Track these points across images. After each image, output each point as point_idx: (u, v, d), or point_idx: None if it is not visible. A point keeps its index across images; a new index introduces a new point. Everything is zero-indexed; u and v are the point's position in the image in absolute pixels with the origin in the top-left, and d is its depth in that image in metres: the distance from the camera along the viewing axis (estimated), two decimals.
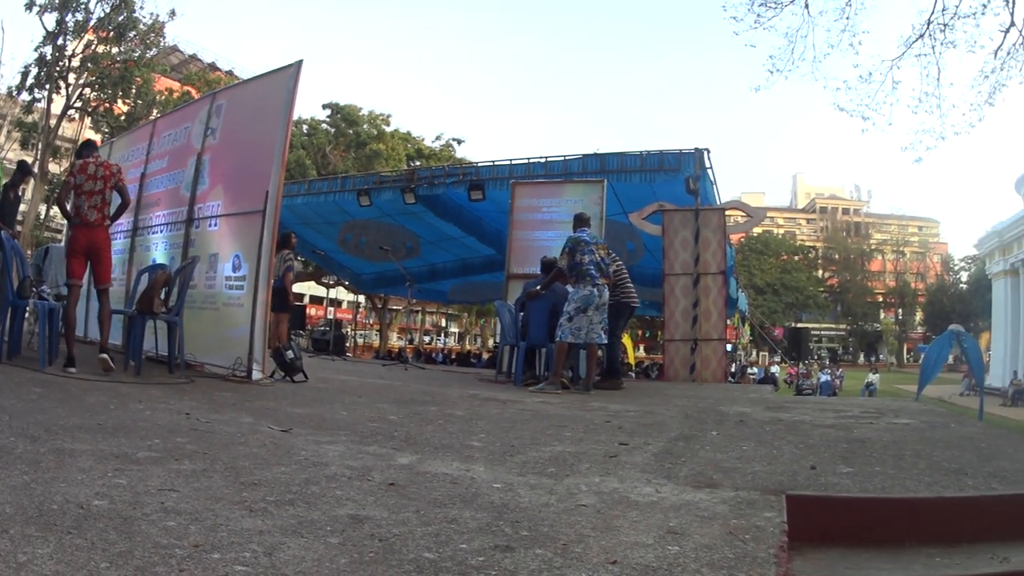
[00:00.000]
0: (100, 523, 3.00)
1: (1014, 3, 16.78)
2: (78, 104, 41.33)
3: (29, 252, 25.19)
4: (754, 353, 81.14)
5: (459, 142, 58.19)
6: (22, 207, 39.04)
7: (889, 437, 7.19)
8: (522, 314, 14.08)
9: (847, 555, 3.81)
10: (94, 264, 9.91)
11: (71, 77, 39.88)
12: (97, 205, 9.81)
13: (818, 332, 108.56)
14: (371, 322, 72.78)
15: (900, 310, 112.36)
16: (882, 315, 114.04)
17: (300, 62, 10.48)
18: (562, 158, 22.00)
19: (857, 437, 7.08)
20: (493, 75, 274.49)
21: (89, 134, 48.70)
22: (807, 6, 18.14)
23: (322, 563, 2.77)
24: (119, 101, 41.54)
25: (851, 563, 3.71)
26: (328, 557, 2.85)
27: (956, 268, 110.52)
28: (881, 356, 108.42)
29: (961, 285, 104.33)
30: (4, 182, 11.32)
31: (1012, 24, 16.98)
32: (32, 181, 37.28)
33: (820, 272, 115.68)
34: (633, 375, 28.48)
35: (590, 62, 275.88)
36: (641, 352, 66.04)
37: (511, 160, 23.58)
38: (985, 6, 17.10)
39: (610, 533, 3.43)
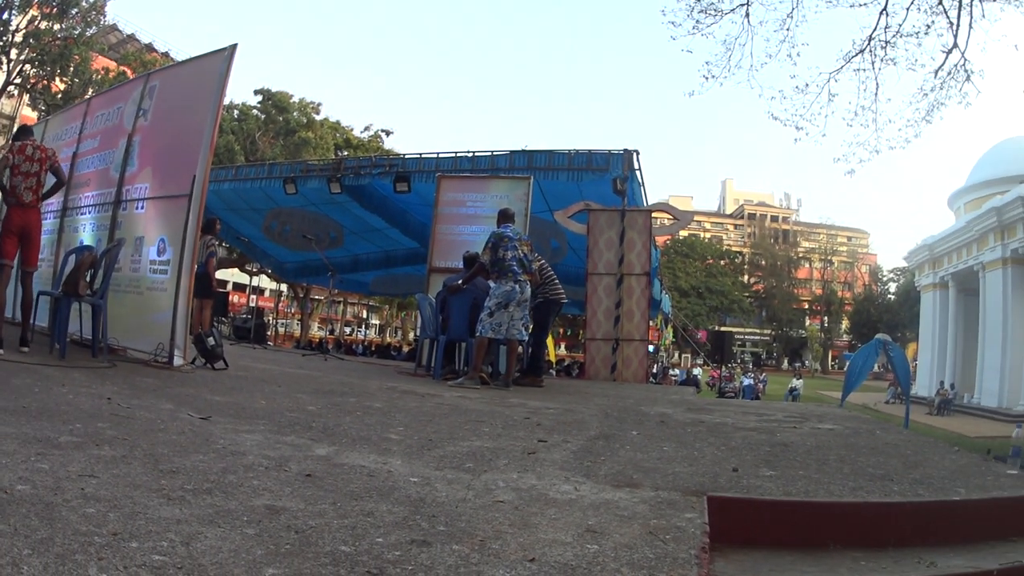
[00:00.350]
0: (23, 508, 2.97)
1: (958, 26, 17.05)
2: (17, 80, 40.95)
3: None
4: (677, 355, 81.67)
5: (387, 133, 58.30)
6: None
7: (813, 442, 7.25)
8: (443, 308, 14.04)
9: (770, 557, 3.84)
10: (25, 246, 10.03)
11: (13, 53, 39.44)
12: (32, 187, 9.99)
13: (742, 336, 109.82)
14: (292, 311, 73.23)
15: (826, 318, 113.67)
16: (808, 322, 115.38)
17: (235, 46, 10.41)
18: (489, 153, 22.14)
19: (780, 441, 7.15)
20: (424, 68, 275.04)
21: (26, 111, 48.42)
22: (747, 15, 18.28)
23: (239, 554, 2.76)
24: (57, 79, 41.09)
25: (774, 565, 3.74)
26: (245, 548, 2.84)
27: (885, 279, 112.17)
28: (806, 362, 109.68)
29: (889, 296, 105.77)
30: None
31: (955, 46, 17.26)
32: None
33: (746, 277, 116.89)
34: (553, 373, 28.51)
35: (522, 58, 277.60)
36: (562, 350, 66.28)
37: (438, 153, 23.51)
38: (929, 27, 17.37)
39: (528, 530, 3.43)
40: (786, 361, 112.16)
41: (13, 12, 38.21)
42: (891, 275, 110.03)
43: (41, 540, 2.62)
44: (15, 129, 12.39)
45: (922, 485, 5.13)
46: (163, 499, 3.38)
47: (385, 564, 2.79)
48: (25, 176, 9.99)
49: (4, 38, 38.35)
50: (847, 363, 41.87)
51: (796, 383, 51.89)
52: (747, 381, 51.34)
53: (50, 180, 10.24)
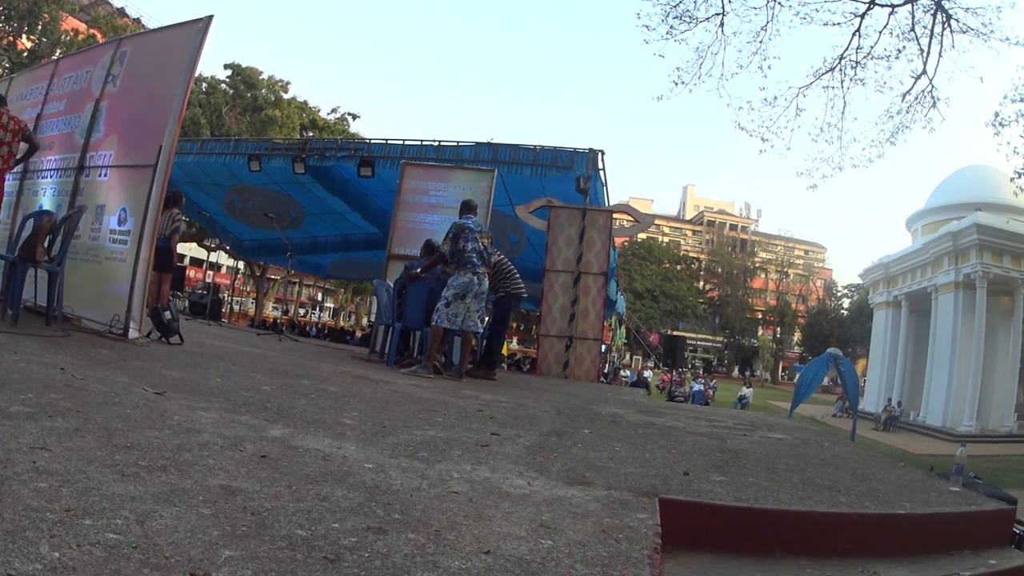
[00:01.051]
0: None
1: (928, 53, 17.29)
2: None
3: None
4: (628, 356, 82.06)
5: (354, 117, 58.21)
6: None
7: (763, 450, 7.33)
8: (400, 295, 14.06)
9: (718, 561, 3.89)
10: None
11: None
12: (3, 155, 10.13)
13: (694, 342, 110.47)
14: (248, 289, 73.14)
15: (779, 328, 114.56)
16: (760, 331, 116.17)
17: (211, 17, 10.32)
18: (455, 143, 22.36)
19: (730, 447, 7.22)
20: (393, 55, 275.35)
21: None
22: (722, 25, 18.53)
23: (195, 534, 2.71)
24: (24, 36, 40.62)
25: (722, 569, 3.79)
26: (201, 528, 2.79)
27: (839, 294, 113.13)
28: (756, 371, 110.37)
29: (842, 311, 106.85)
30: None
31: (924, 72, 17.52)
32: None
33: (701, 283, 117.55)
34: (505, 367, 28.66)
35: (490, 51, 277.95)
36: (515, 344, 66.41)
37: (404, 140, 23.73)
38: (900, 51, 17.60)
39: (483, 522, 3.41)
40: (737, 369, 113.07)
41: None
42: (845, 291, 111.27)
43: None
44: None
45: (868, 497, 5.20)
46: (117, 475, 3.32)
47: (342, 550, 2.77)
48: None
49: None
50: (797, 375, 42.34)
51: (746, 391, 52.36)
52: (697, 387, 51.77)
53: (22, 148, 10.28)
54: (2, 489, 2.86)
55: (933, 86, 17.92)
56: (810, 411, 38.97)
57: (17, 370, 5.89)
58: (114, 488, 3.11)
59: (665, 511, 3.96)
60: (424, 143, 23.02)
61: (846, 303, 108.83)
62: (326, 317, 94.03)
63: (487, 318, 13.91)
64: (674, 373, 50.84)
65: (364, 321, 75.60)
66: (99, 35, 40.80)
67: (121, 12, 54.44)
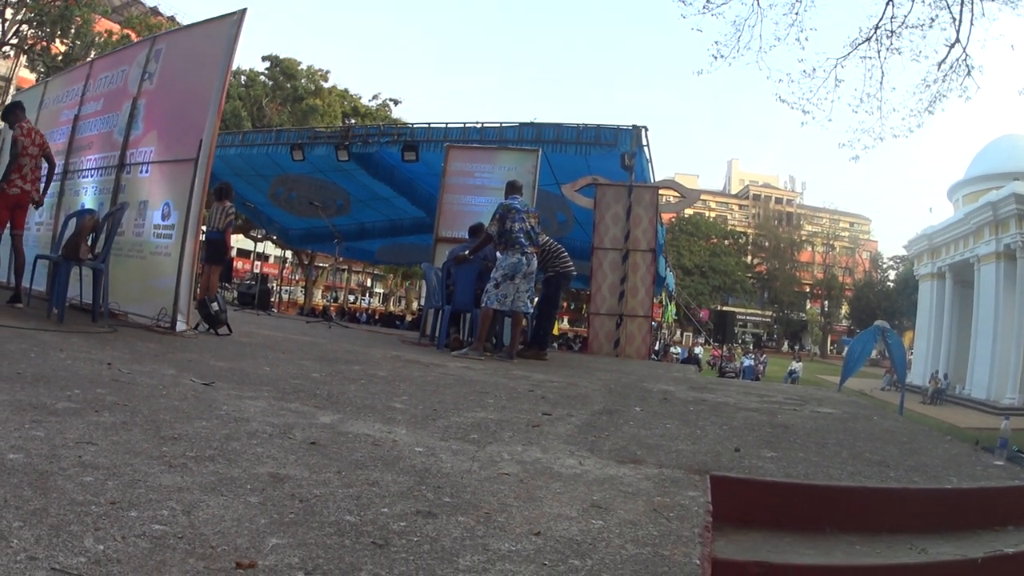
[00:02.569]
0: (15, 478, 2.88)
1: (960, 22, 17.10)
2: (14, 41, 40.68)
3: None
4: (679, 333, 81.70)
5: (396, 103, 58.85)
6: None
7: (813, 425, 7.26)
8: (449, 278, 14.04)
9: (769, 538, 3.82)
10: (18, 215, 10.61)
11: (8, 12, 39.14)
12: (34, 168, 10.61)
13: (743, 317, 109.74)
14: (297, 278, 73.32)
15: (827, 302, 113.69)
16: (808, 305, 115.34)
17: (244, 10, 10.33)
18: (498, 124, 22.27)
19: (781, 423, 7.14)
20: (433, 38, 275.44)
21: (24, 73, 48.22)
22: None
23: (241, 523, 2.69)
24: (57, 40, 40.78)
25: (772, 546, 3.72)
26: (248, 517, 2.77)
27: (884, 266, 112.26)
28: (805, 345, 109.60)
29: (888, 283, 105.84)
30: None
31: (957, 41, 17.31)
32: None
33: (749, 258, 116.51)
34: (555, 346, 28.61)
35: (532, 31, 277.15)
36: (565, 324, 66.33)
37: (447, 123, 23.72)
38: (933, 20, 17.41)
39: (533, 504, 3.38)
40: (786, 343, 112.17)
41: None
42: (891, 263, 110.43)
43: (34, 511, 2.54)
44: (7, 103, 12.51)
45: (917, 472, 5.13)
46: (164, 466, 3.32)
47: (390, 535, 2.75)
48: (31, 158, 10.67)
49: None
50: (846, 348, 42.05)
51: (795, 366, 52.22)
52: (748, 362, 51.58)
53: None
54: (47, 484, 2.86)
55: (967, 54, 17.73)
56: (859, 385, 38.71)
57: (63, 367, 5.90)
58: (161, 479, 3.11)
59: (716, 488, 3.91)
60: (467, 125, 22.97)
61: (892, 275, 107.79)
62: (376, 303, 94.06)
63: (536, 298, 13.84)
64: (724, 349, 50.65)
65: (414, 305, 75.35)
66: (133, 35, 40.91)
67: (154, 11, 54.70)
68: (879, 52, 18.09)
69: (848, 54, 18.44)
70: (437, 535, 2.79)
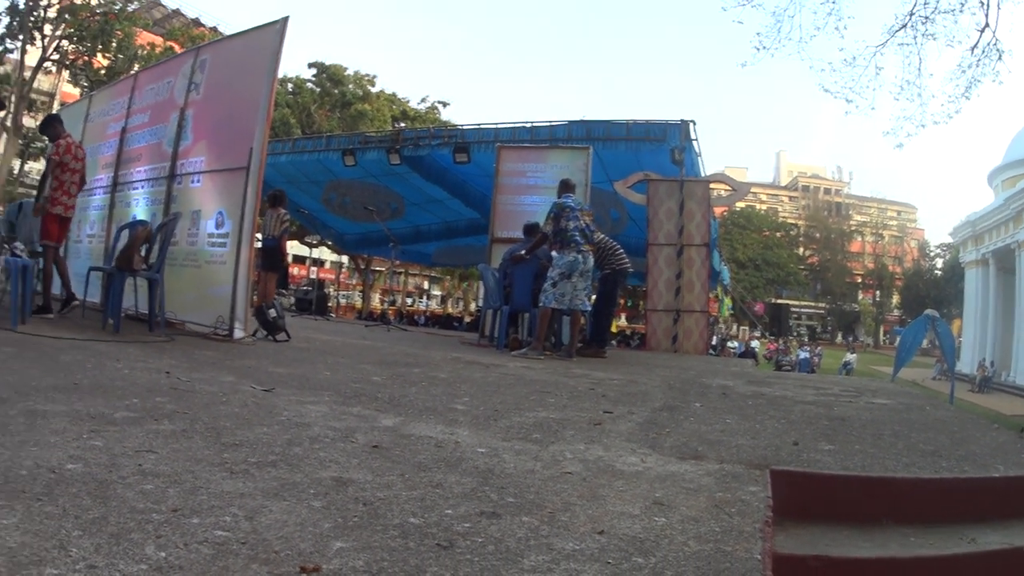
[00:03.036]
0: (73, 488, 2.90)
1: (988, 6, 17.04)
2: (55, 56, 40.96)
3: (0, 208, 25.17)
4: (735, 327, 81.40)
5: (444, 105, 58.72)
6: None
7: (868, 416, 7.25)
8: (506, 278, 14.03)
9: (827, 532, 3.79)
10: (63, 228, 10.93)
11: (47, 28, 39.44)
12: (75, 182, 10.95)
13: (798, 309, 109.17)
14: (354, 283, 73.48)
15: (878, 292, 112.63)
16: (860, 296, 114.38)
17: (286, 18, 10.42)
18: (548, 124, 22.21)
19: (838, 415, 7.12)
20: (479, 38, 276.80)
21: (67, 88, 48.66)
22: None
23: (305, 527, 2.71)
24: (99, 55, 41.16)
25: (831, 540, 3.69)
26: (311, 521, 2.79)
27: (932, 254, 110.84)
28: (859, 336, 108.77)
29: (936, 271, 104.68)
30: None
31: (987, 25, 17.25)
32: (4, 135, 37.11)
33: (801, 250, 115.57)
34: (614, 344, 28.60)
35: (577, 28, 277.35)
36: (623, 321, 66.24)
37: (497, 124, 23.76)
38: (963, 4, 17.35)
39: (596, 502, 3.39)
40: (840, 335, 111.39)
41: None
42: (938, 250, 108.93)
43: (93, 520, 2.56)
44: (46, 117, 12.73)
45: (967, 461, 5.13)
46: (226, 473, 3.35)
47: (455, 536, 2.76)
48: (73, 172, 10.94)
49: (36, 14, 38.38)
50: (898, 338, 41.77)
51: (850, 357, 51.82)
52: (803, 354, 51.65)
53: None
54: (106, 493, 2.88)
55: (996, 38, 17.64)
56: (911, 375, 38.48)
57: (121, 376, 5.96)
58: (223, 486, 3.13)
59: (776, 483, 3.90)
60: (517, 125, 22.96)
61: (939, 263, 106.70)
62: (434, 305, 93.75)
63: (594, 296, 13.79)
64: (780, 342, 50.52)
65: (472, 306, 75.54)
66: (177, 47, 41.08)
67: (196, 22, 55.11)
68: (915, 38, 18.05)
69: (886, 41, 18.39)
70: (501, 536, 2.80)
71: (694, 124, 19.89)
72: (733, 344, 56.79)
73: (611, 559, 2.63)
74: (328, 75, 52.23)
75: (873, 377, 29.91)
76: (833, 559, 3.28)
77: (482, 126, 24.24)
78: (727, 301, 54.42)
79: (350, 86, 52.44)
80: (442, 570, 2.40)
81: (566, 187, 12.79)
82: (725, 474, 4.15)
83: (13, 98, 38.37)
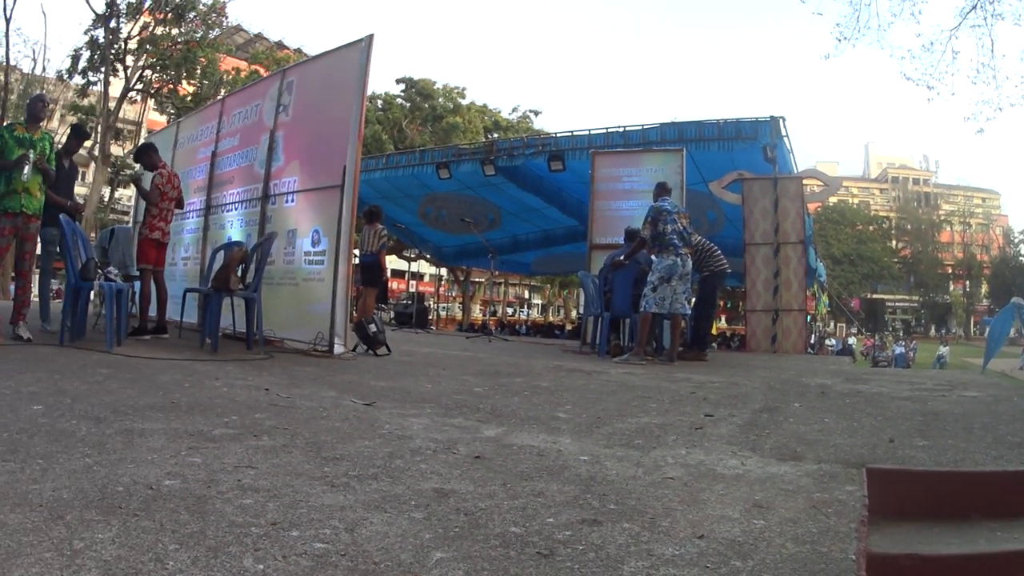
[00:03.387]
0: (171, 503, 2.96)
1: None
2: (139, 86, 41.55)
3: (93, 235, 25.65)
4: (832, 324, 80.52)
5: (536, 113, 58.83)
6: (84, 190, 39.65)
7: (960, 410, 7.11)
8: (606, 284, 13.99)
9: (920, 530, 3.73)
10: (161, 254, 11.33)
11: (129, 59, 40.09)
12: (171, 209, 11.45)
13: (892, 303, 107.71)
14: (454, 295, 73.57)
15: (967, 282, 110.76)
16: (951, 287, 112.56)
17: (371, 36, 10.46)
18: (640, 127, 22.03)
19: (931, 410, 7.00)
20: (564, 46, 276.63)
21: (153, 116, 49.41)
22: None
23: (406, 538, 2.74)
24: (183, 82, 41.79)
25: (923, 537, 3.64)
26: (412, 532, 2.83)
27: (1016, 241, 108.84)
28: (951, 328, 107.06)
29: (1020, 258, 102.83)
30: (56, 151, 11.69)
31: None
32: (92, 164, 37.79)
33: (893, 243, 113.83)
34: (715, 346, 28.45)
35: (660, 29, 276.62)
36: (722, 323, 65.91)
37: (589, 130, 23.54)
38: None
39: (697, 506, 3.40)
40: (933, 328, 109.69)
41: (122, 20, 38.88)
42: (1022, 236, 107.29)
43: (191, 534, 2.61)
44: (140, 144, 13.03)
45: None
46: (326, 486, 3.40)
47: (555, 544, 2.77)
48: (170, 200, 11.37)
49: (116, 46, 38.97)
50: (987, 328, 41.12)
51: (943, 350, 51.10)
52: (899, 349, 51.06)
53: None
54: (205, 508, 2.93)
55: None
56: (1001, 365, 37.78)
57: (219, 394, 6.06)
58: (323, 499, 3.18)
59: (872, 481, 3.85)
60: (610, 130, 22.76)
61: (1023, 249, 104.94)
62: (535, 314, 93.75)
63: (693, 299, 13.77)
64: (876, 338, 49.96)
65: (573, 314, 75.38)
66: (262, 70, 41.49)
67: (280, 45, 55.58)
68: (985, 19, 17.82)
69: (959, 24, 18.21)
70: (602, 543, 2.82)
71: (784, 120, 19.76)
72: (831, 342, 56.39)
73: (710, 563, 2.63)
74: (417, 90, 52.48)
75: (965, 369, 29.39)
76: (923, 556, 3.25)
77: (575, 133, 24.19)
78: (824, 298, 53.87)
79: (440, 99, 52.59)
80: None
81: (662, 190, 12.78)
82: (823, 474, 4.16)
83: (99, 128, 39.04)
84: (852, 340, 60.25)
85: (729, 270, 14.38)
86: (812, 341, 37.90)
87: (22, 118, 11.05)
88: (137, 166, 12.54)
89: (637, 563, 2.60)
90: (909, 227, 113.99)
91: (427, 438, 4.67)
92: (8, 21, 35.30)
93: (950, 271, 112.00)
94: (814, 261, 30.70)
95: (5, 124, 9.93)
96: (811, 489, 3.80)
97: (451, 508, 3.17)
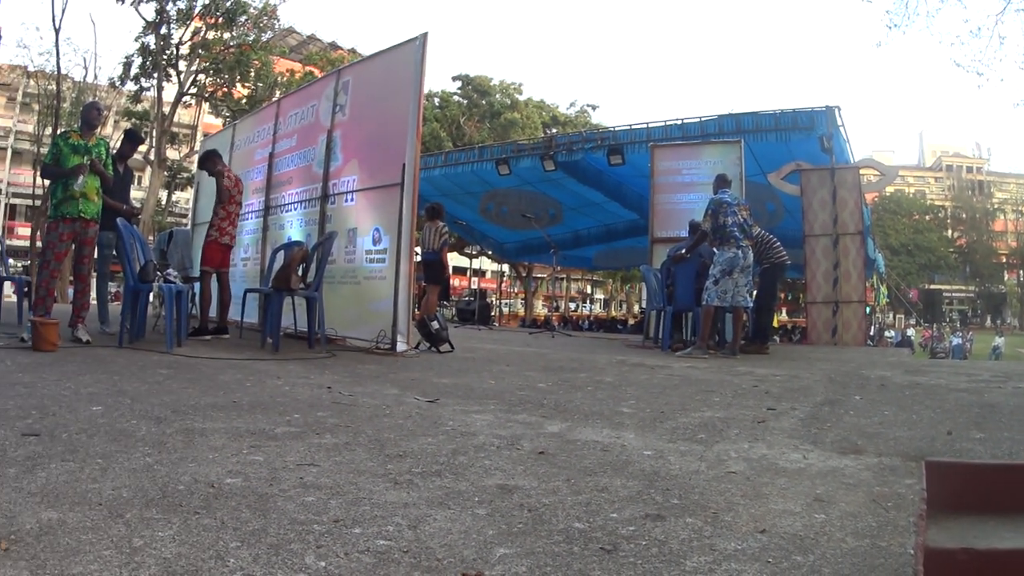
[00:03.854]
0: (232, 501, 2.99)
1: None
2: (192, 90, 41.86)
3: (151, 237, 25.95)
4: (891, 315, 79.87)
5: (593, 107, 59.02)
6: (140, 194, 40.06)
7: (1015, 402, 7.06)
8: (668, 278, 14.05)
9: (976, 523, 3.68)
10: (227, 256, 11.46)
11: (181, 65, 40.46)
12: (236, 212, 11.51)
13: (949, 294, 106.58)
14: (516, 291, 73.82)
15: (1021, 271, 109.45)
16: (1006, 276, 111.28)
17: (425, 34, 10.56)
18: (698, 119, 22.03)
19: (988, 402, 6.96)
20: (619, 39, 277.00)
21: (209, 119, 49.90)
22: None
23: (469, 535, 2.74)
24: (238, 85, 42.03)
25: (979, 531, 3.59)
26: (475, 528, 2.83)
27: None
28: (1007, 319, 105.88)
29: None
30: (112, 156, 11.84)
31: None
32: (148, 168, 38.19)
33: (949, 232, 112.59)
34: (776, 339, 28.33)
35: (712, 19, 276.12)
36: (783, 315, 65.51)
37: (648, 123, 23.52)
38: None
39: (759, 501, 3.39)
40: (989, 318, 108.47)
41: (172, 26, 39.23)
42: None
43: (252, 531, 2.63)
44: (204, 151, 13.17)
45: None
46: (389, 484, 3.42)
47: (619, 539, 2.76)
48: (237, 205, 11.48)
49: (168, 52, 39.33)
50: None
51: (998, 341, 50.61)
52: (956, 341, 50.52)
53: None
54: (266, 506, 2.95)
55: None
56: None
57: (281, 393, 6.12)
58: (386, 496, 3.19)
59: (930, 475, 3.83)
60: (668, 123, 22.91)
61: None
62: (597, 309, 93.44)
63: (754, 291, 13.81)
64: (934, 328, 49.59)
65: (635, 308, 75.20)
66: (317, 71, 41.76)
67: (333, 45, 55.79)
68: None
69: (1004, 8, 18.08)
70: (665, 538, 2.81)
71: (839, 110, 19.62)
72: (890, 333, 55.93)
73: (771, 558, 2.63)
74: (474, 87, 52.81)
75: (1020, 360, 29.19)
76: (979, 551, 3.22)
77: (633, 126, 24.10)
78: (883, 289, 53.46)
79: (497, 96, 52.86)
80: (605, 574, 2.41)
81: (722, 182, 12.76)
82: (883, 467, 4.14)
83: (154, 132, 39.42)
84: (911, 331, 59.72)
85: (789, 262, 14.42)
86: (872, 333, 37.70)
87: (76, 125, 11.10)
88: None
89: (699, 558, 2.60)
90: (964, 216, 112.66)
91: (491, 434, 4.69)
92: (57, 31, 35.97)
93: (1004, 260, 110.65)
94: (873, 252, 30.50)
95: (60, 132, 10.01)
96: (871, 483, 3.78)
97: (515, 504, 3.18)
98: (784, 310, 66.69)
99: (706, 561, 2.57)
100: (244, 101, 41.52)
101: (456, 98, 52.71)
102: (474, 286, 58.81)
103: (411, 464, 3.79)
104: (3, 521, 2.61)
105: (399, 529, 2.76)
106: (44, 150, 38.09)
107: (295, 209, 13.20)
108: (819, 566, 2.58)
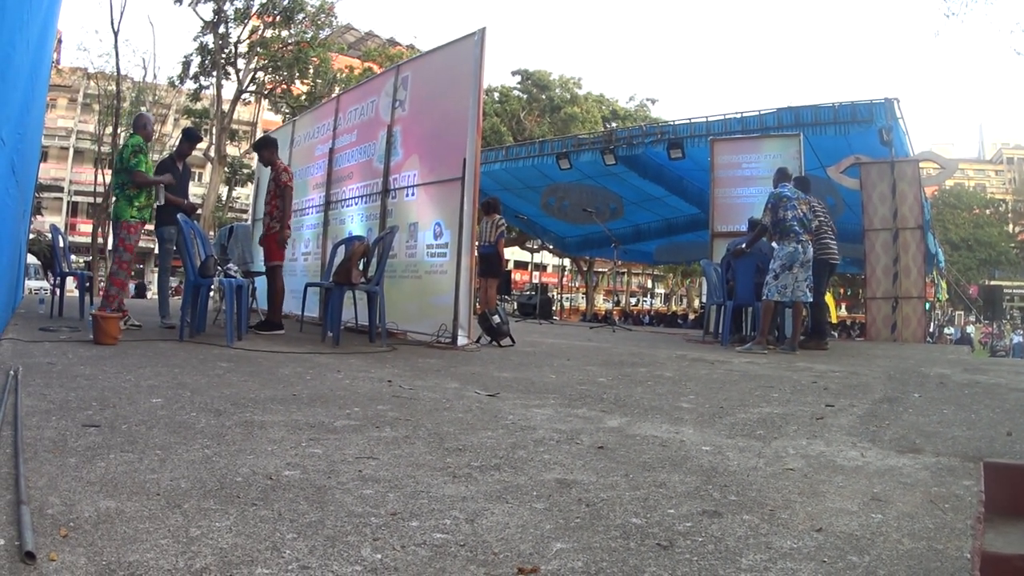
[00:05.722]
0: (289, 493, 3.02)
1: None
2: (252, 88, 42.40)
3: (212, 233, 26.21)
4: (950, 312, 79.06)
5: (653, 102, 59.34)
6: (200, 189, 40.51)
7: None
8: (728, 273, 13.95)
9: None
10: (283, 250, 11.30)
11: (240, 63, 40.98)
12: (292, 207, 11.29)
13: (1010, 290, 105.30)
14: (577, 285, 74.23)
15: None
16: None
17: (483, 29, 10.59)
18: (757, 112, 21.99)
19: None
20: (677, 33, 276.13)
21: (268, 116, 50.32)
22: None
23: (526, 529, 2.76)
24: (297, 82, 42.50)
25: None
26: (533, 523, 2.84)
27: None
28: None
29: None
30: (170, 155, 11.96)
31: None
32: (208, 165, 38.61)
33: (1011, 227, 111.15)
34: (835, 335, 28.09)
35: (770, 10, 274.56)
36: (843, 311, 64.98)
37: (707, 117, 23.55)
38: None
39: (816, 499, 3.39)
40: None
41: (230, 25, 39.72)
42: None
43: (309, 523, 2.65)
44: (261, 137, 13.27)
45: None
46: (448, 477, 3.44)
47: (675, 535, 2.77)
48: (292, 198, 11.51)
49: (227, 50, 39.91)
50: None
51: None
52: (1017, 339, 50.15)
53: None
54: (324, 498, 2.97)
55: None
56: None
57: (341, 387, 6.15)
58: (444, 490, 3.21)
59: (988, 476, 3.77)
60: (727, 117, 22.79)
61: None
62: (658, 303, 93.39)
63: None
64: (994, 326, 49.05)
65: (696, 303, 74.92)
66: (376, 67, 42.32)
67: (391, 41, 56.17)
68: None
69: None
70: (722, 534, 2.81)
71: (898, 102, 19.42)
72: (950, 330, 55.52)
73: (826, 558, 2.61)
74: (533, 81, 52.75)
75: None
76: None
77: (693, 120, 24.21)
78: (943, 285, 52.96)
79: (557, 90, 52.81)
80: (660, 570, 2.41)
81: (782, 176, 12.74)
82: (941, 467, 4.11)
83: (214, 130, 39.98)
84: (971, 328, 59.01)
85: (836, 261, 14.30)
86: (931, 329, 37.38)
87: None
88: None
89: (755, 556, 2.59)
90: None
91: (550, 428, 4.70)
92: (116, 34, 36.18)
93: None
94: (933, 247, 30.24)
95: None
96: (929, 483, 3.76)
97: (573, 499, 3.19)
98: (843, 306, 66.11)
99: (761, 559, 2.56)
100: (303, 97, 42.04)
101: (516, 93, 52.73)
102: (535, 280, 58.69)
103: (470, 458, 3.81)
104: (63, 509, 2.65)
105: (456, 523, 2.77)
106: (105, 149, 38.81)
107: (356, 204, 13.30)
108: (874, 567, 2.56)
